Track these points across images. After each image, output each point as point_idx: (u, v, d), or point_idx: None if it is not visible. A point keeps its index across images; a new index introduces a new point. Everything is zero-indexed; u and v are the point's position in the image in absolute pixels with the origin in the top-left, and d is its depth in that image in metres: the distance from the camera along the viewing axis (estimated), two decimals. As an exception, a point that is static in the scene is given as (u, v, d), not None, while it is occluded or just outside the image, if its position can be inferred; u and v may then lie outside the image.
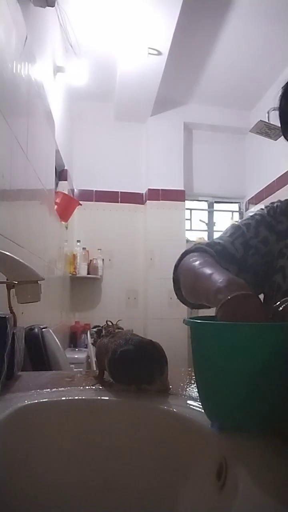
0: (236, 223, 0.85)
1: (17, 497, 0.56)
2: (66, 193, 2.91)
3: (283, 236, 0.81)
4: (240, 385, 0.47)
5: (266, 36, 2.78)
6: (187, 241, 3.69)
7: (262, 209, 0.86)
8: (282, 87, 0.76)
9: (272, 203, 0.86)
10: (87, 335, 3.12)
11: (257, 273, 0.80)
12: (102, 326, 0.81)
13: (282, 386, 0.47)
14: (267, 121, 2.50)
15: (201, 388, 0.54)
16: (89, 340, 2.96)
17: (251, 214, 0.86)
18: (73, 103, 3.50)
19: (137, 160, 3.75)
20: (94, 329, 0.81)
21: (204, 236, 3.99)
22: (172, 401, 0.64)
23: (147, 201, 3.63)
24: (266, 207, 0.86)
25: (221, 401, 0.50)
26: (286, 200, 0.86)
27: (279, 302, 0.53)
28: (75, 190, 3.56)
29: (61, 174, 3.03)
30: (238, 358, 0.47)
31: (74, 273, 3.28)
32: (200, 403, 0.60)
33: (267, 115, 2.59)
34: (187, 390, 0.72)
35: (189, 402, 0.64)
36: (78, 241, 3.37)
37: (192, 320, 0.52)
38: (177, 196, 3.64)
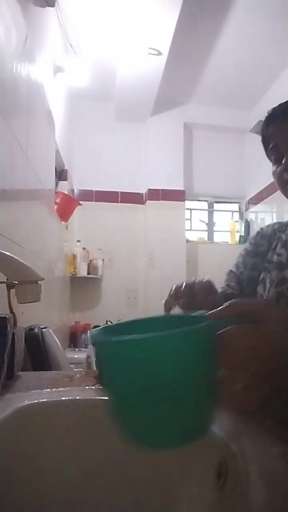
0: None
1: (17, 497, 0.56)
2: (66, 193, 2.91)
3: (264, 256, 0.89)
4: (145, 399, 0.42)
5: (266, 36, 2.78)
6: (187, 241, 3.70)
7: (246, 243, 0.97)
8: (265, 117, 0.79)
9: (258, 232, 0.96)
10: (87, 335, 3.12)
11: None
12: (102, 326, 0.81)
13: (198, 394, 0.42)
14: (267, 121, 2.50)
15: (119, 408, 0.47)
16: (89, 339, 2.95)
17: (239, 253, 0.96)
18: (73, 103, 3.50)
19: (137, 160, 3.75)
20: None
21: (204, 236, 3.99)
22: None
23: (147, 201, 3.63)
24: (250, 238, 0.99)
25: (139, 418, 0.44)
26: (267, 226, 0.95)
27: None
28: (75, 190, 3.56)
29: (61, 174, 3.04)
30: (140, 371, 0.42)
31: (74, 273, 3.28)
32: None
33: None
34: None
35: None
36: (78, 241, 3.37)
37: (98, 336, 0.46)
38: (177, 196, 3.64)
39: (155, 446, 0.46)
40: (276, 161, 0.77)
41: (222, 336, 0.40)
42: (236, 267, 0.92)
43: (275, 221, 0.96)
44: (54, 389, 0.70)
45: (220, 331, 0.41)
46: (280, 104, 0.77)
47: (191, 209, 3.95)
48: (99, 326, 0.82)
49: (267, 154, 0.80)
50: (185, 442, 0.45)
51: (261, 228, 0.96)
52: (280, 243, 0.86)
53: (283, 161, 0.74)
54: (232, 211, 4.10)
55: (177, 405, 0.42)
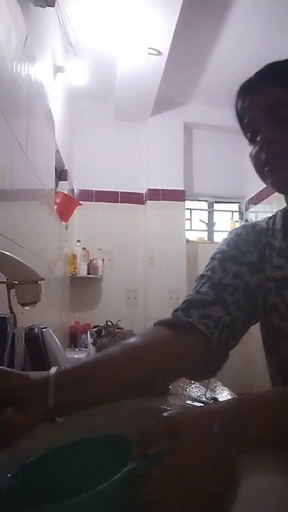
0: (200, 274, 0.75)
1: (17, 497, 0.56)
2: (66, 193, 2.91)
3: (255, 268, 0.72)
4: None
5: (266, 36, 2.78)
6: (187, 241, 3.70)
7: (220, 245, 0.77)
8: (239, 88, 0.71)
9: (230, 233, 0.79)
10: (87, 335, 3.12)
11: (244, 310, 0.69)
12: (102, 326, 0.81)
13: None
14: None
15: None
16: (89, 340, 2.96)
17: (211, 256, 0.76)
18: (73, 103, 3.50)
19: (137, 160, 3.75)
20: (94, 329, 0.82)
21: (204, 236, 3.99)
22: (171, 401, 0.64)
23: (147, 201, 3.63)
24: (224, 240, 0.78)
25: None
26: (244, 227, 0.78)
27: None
28: (75, 190, 3.56)
29: (61, 174, 3.03)
30: None
31: (74, 273, 3.28)
32: (200, 402, 0.60)
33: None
34: (186, 390, 0.72)
35: (188, 402, 0.64)
36: (78, 241, 3.37)
37: None
38: (177, 196, 3.64)
39: None
40: (252, 139, 0.66)
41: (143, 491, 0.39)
42: (212, 272, 0.72)
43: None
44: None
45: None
46: (256, 73, 0.67)
47: (191, 209, 3.96)
48: (99, 326, 0.82)
49: (243, 132, 0.70)
50: None
51: (239, 232, 0.77)
52: (274, 252, 0.72)
53: (258, 138, 0.63)
54: (232, 211, 4.10)
55: None
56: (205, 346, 0.62)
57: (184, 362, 0.62)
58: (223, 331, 0.65)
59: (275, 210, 0.86)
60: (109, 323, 0.78)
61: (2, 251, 0.79)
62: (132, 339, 0.60)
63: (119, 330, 0.75)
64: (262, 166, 0.64)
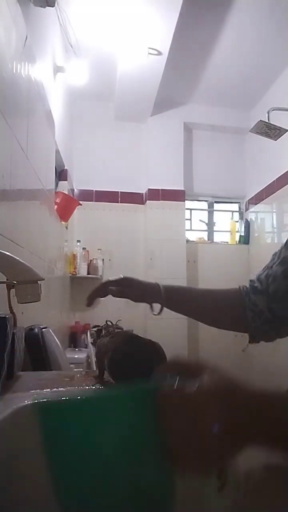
0: None
1: (17, 497, 0.56)
2: (66, 193, 2.91)
3: None
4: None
5: (266, 36, 2.78)
6: (187, 241, 3.70)
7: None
8: None
9: None
10: (87, 335, 3.12)
11: (282, 299, 0.76)
12: (102, 326, 0.81)
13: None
14: (267, 121, 2.50)
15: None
16: (89, 339, 2.96)
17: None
18: (73, 103, 3.50)
19: (137, 160, 3.75)
20: (94, 329, 0.82)
21: (204, 236, 3.99)
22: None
23: (147, 201, 3.63)
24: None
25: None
26: None
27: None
28: (75, 190, 3.56)
29: (61, 174, 3.03)
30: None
31: (74, 273, 3.28)
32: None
33: (267, 115, 2.59)
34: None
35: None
36: (78, 241, 3.37)
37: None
38: (177, 196, 3.64)
39: None
40: None
41: (157, 400, 0.40)
42: (272, 259, 0.82)
43: (275, 221, 0.93)
44: (54, 389, 0.70)
45: (157, 395, 0.40)
46: None
47: (191, 209, 3.95)
48: (99, 326, 0.82)
49: None
50: None
51: None
52: None
53: None
54: (232, 211, 4.10)
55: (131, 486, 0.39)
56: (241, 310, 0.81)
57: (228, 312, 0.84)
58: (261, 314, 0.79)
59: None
60: (109, 323, 0.78)
61: (2, 251, 0.79)
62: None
63: (119, 330, 0.75)
64: None
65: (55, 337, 1.57)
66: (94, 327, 0.82)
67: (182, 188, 3.67)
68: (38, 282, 0.82)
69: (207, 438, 0.37)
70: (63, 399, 0.40)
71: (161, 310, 0.82)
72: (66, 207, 2.71)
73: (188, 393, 0.39)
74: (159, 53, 2.68)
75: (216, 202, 4.06)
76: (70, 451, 0.40)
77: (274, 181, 3.28)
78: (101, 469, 0.40)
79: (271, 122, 2.47)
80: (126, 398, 0.40)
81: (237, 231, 3.92)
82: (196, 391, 0.39)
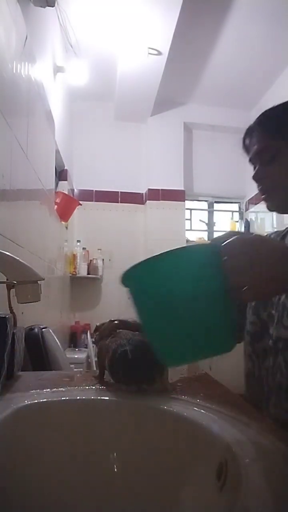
0: None
1: (17, 498, 0.56)
2: (66, 193, 2.91)
3: None
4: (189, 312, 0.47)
5: (266, 36, 2.78)
6: (187, 241, 3.69)
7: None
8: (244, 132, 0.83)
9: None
10: (87, 335, 3.12)
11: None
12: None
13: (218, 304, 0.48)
14: (267, 121, 2.50)
15: (157, 333, 0.51)
16: (89, 339, 2.96)
17: None
18: (73, 103, 3.50)
19: (137, 160, 3.75)
20: (97, 332, 0.82)
21: (204, 236, 3.99)
22: (172, 401, 0.64)
23: (147, 201, 3.63)
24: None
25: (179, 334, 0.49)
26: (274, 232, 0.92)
27: None
28: (75, 190, 3.56)
29: (61, 174, 3.03)
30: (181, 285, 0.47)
31: (74, 273, 3.28)
32: (199, 401, 0.60)
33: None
34: (186, 390, 0.72)
35: (188, 402, 0.64)
36: (78, 241, 3.37)
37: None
38: (177, 196, 3.64)
39: (186, 359, 0.52)
40: (254, 170, 0.82)
41: (223, 247, 0.48)
42: None
43: (275, 221, 0.96)
44: (54, 389, 0.70)
45: (223, 243, 0.49)
46: (255, 120, 0.80)
47: (191, 209, 3.95)
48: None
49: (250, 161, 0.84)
50: (207, 352, 0.52)
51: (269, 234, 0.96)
52: None
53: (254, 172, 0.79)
54: (232, 211, 4.10)
55: (202, 320, 0.47)
56: None
57: None
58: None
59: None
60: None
61: (2, 251, 0.79)
62: None
63: (120, 330, 0.76)
64: (260, 194, 0.80)
65: (55, 337, 1.57)
66: (96, 329, 0.82)
67: (182, 188, 3.67)
68: (38, 282, 0.82)
69: (259, 274, 0.47)
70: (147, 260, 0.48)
71: None
72: (66, 207, 2.71)
73: (248, 238, 0.50)
74: (159, 53, 2.68)
75: (216, 202, 4.06)
76: (154, 299, 0.48)
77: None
78: (178, 309, 0.47)
79: (271, 122, 2.47)
80: (195, 253, 0.49)
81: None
82: (254, 235, 0.51)
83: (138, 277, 0.49)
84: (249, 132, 0.80)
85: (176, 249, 0.48)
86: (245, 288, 0.47)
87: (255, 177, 0.78)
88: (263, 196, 0.80)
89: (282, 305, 0.74)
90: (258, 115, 0.80)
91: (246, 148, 0.82)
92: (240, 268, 0.47)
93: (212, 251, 0.49)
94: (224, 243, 0.49)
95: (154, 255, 0.47)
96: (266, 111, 0.78)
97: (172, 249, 0.47)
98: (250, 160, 0.81)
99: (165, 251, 0.47)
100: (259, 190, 0.79)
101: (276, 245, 0.51)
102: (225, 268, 0.47)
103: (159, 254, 0.47)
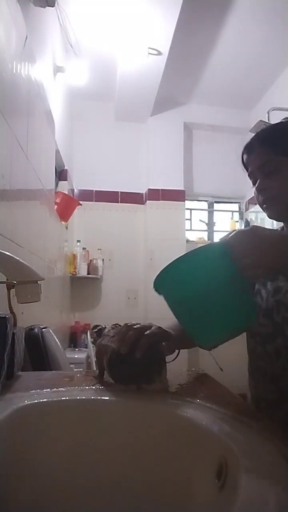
0: None
1: (17, 497, 0.56)
2: (66, 193, 2.91)
3: None
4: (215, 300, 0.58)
5: (266, 36, 2.78)
6: (187, 241, 3.69)
7: None
8: (243, 148, 0.90)
9: None
10: (87, 335, 3.12)
11: None
12: (103, 326, 0.81)
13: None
14: (267, 121, 2.50)
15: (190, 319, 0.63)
16: (89, 339, 2.96)
17: None
18: (73, 103, 3.50)
19: (137, 160, 3.75)
20: (95, 330, 0.82)
21: (204, 236, 3.99)
22: (171, 401, 0.64)
23: (147, 201, 3.63)
24: None
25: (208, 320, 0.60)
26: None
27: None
28: (75, 190, 3.56)
29: (61, 174, 3.03)
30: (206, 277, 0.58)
31: (74, 273, 3.28)
32: (199, 401, 0.60)
33: (267, 115, 2.59)
34: (186, 390, 0.72)
35: (188, 402, 0.64)
36: (78, 241, 3.37)
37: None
38: (177, 196, 3.64)
39: (220, 333, 0.62)
40: (253, 184, 0.90)
41: (229, 240, 0.60)
42: None
43: (274, 221, 0.97)
44: (54, 389, 0.70)
45: (230, 236, 0.60)
46: (254, 136, 0.88)
47: (191, 209, 3.95)
48: (99, 326, 0.82)
49: (248, 177, 0.92)
50: (236, 329, 0.64)
51: None
52: None
53: (256, 185, 0.88)
54: (232, 211, 4.10)
55: (224, 303, 0.58)
56: None
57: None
58: None
59: None
60: (106, 326, 0.79)
61: (2, 251, 0.79)
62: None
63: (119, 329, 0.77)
64: (261, 204, 0.89)
65: (55, 337, 1.57)
66: (95, 326, 0.82)
67: (182, 188, 3.67)
68: (38, 282, 0.82)
69: (263, 253, 0.58)
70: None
71: (177, 355, 0.86)
72: (66, 207, 2.70)
73: (247, 229, 0.61)
74: (159, 53, 2.68)
75: (216, 202, 4.06)
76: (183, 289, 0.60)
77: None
78: (204, 297, 0.58)
79: (271, 122, 2.47)
80: (208, 251, 0.61)
81: (237, 231, 3.91)
82: (252, 226, 0.62)
83: (166, 279, 0.60)
84: (249, 148, 0.88)
85: (192, 250, 0.58)
86: (255, 267, 0.58)
87: (258, 188, 0.86)
88: (264, 206, 0.88)
89: None
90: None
91: (245, 163, 0.90)
92: (247, 253, 0.58)
93: (221, 246, 0.59)
94: (229, 236, 0.60)
95: (175, 258, 0.58)
96: (267, 128, 0.88)
97: (187, 252, 0.58)
98: (250, 174, 0.89)
99: (182, 254, 0.58)
100: (261, 200, 0.87)
101: (271, 230, 0.62)
102: (234, 256, 0.58)
103: (178, 257, 0.58)
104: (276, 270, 0.62)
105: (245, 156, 0.89)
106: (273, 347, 0.83)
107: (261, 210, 0.94)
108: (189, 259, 0.58)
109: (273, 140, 0.84)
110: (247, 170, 0.91)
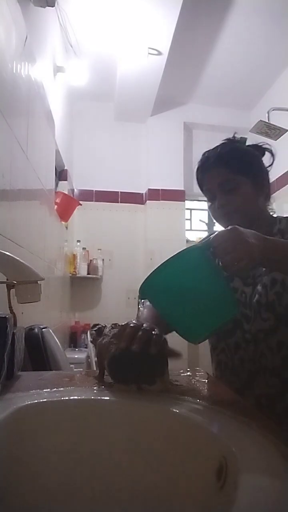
0: None
1: (17, 497, 0.56)
2: (66, 193, 2.91)
3: None
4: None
5: (266, 36, 2.78)
6: (187, 241, 3.69)
7: None
8: (197, 167, 1.00)
9: None
10: (87, 335, 3.12)
11: None
12: (103, 326, 0.81)
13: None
14: (267, 121, 2.49)
15: (176, 317, 0.67)
16: (89, 339, 2.95)
17: None
18: (73, 103, 3.50)
19: (137, 160, 3.75)
20: (94, 329, 0.81)
21: (204, 236, 3.98)
22: (172, 401, 0.64)
23: (147, 201, 3.63)
24: None
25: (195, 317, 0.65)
26: None
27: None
28: (75, 190, 3.56)
29: (61, 174, 3.03)
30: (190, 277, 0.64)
31: (74, 273, 3.28)
32: (199, 401, 0.60)
33: (267, 115, 2.59)
34: (186, 390, 0.72)
35: (188, 402, 0.64)
36: (78, 241, 3.37)
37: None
38: (177, 196, 3.64)
39: (202, 330, 0.67)
40: (210, 200, 0.98)
41: (211, 240, 0.65)
42: None
43: None
44: (54, 389, 0.70)
45: (211, 237, 0.67)
46: (208, 154, 0.98)
47: (191, 209, 3.95)
48: (99, 324, 0.82)
49: (203, 193, 1.00)
50: (221, 322, 0.66)
51: None
52: None
53: (216, 200, 0.95)
54: (232, 211, 4.10)
55: (207, 300, 0.63)
56: None
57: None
58: None
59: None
60: (106, 325, 0.79)
61: (2, 251, 0.79)
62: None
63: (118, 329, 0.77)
64: (221, 217, 0.96)
65: (55, 337, 1.57)
66: (94, 325, 0.82)
67: (182, 188, 3.67)
68: (38, 282, 0.82)
69: (245, 247, 0.64)
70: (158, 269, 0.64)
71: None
72: (66, 207, 2.70)
73: (226, 229, 0.67)
74: (159, 53, 2.68)
75: (216, 202, 4.05)
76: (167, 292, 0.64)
77: (274, 181, 3.26)
78: (189, 295, 0.63)
79: (271, 122, 2.47)
80: (190, 252, 0.66)
81: (237, 231, 3.91)
82: (231, 227, 0.67)
83: (152, 284, 0.63)
84: (206, 166, 0.97)
85: (176, 254, 0.62)
86: (237, 261, 0.62)
87: (219, 204, 0.94)
88: (226, 218, 0.95)
89: (256, 304, 0.90)
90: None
91: (200, 181, 1.00)
92: (228, 249, 0.63)
93: (203, 247, 0.64)
94: (211, 237, 0.66)
95: (158, 265, 0.62)
96: (226, 152, 0.98)
97: (171, 256, 0.62)
98: (208, 190, 0.98)
99: (167, 259, 0.62)
100: (222, 213, 0.95)
101: (247, 229, 0.67)
102: (217, 254, 0.64)
103: (163, 262, 0.62)
104: (256, 262, 0.67)
105: (202, 174, 0.99)
106: (275, 340, 0.87)
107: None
108: (173, 263, 0.62)
109: (234, 161, 0.95)
110: (202, 187, 1.00)
